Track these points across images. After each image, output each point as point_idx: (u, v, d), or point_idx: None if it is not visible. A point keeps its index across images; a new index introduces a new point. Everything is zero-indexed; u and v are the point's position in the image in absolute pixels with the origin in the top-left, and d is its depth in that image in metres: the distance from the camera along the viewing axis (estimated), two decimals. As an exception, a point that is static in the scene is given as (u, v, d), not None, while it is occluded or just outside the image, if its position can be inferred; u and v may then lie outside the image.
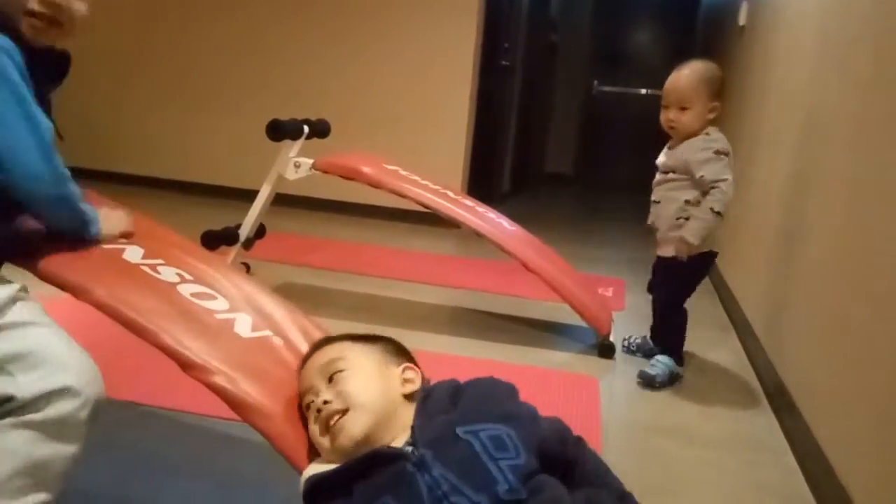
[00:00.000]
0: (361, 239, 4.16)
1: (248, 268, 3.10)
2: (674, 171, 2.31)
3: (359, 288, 3.19)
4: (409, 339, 2.50)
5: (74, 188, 1.24)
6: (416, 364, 1.19)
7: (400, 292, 3.16)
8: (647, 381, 2.31)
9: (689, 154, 2.25)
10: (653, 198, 2.39)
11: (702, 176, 2.23)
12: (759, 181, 3.04)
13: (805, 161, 2.35)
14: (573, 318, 2.68)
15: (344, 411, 1.05)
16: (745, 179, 3.42)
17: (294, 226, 4.14)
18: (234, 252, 2.93)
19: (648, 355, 2.47)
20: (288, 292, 3.04)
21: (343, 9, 4.65)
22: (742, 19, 3.86)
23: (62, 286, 1.19)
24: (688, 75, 2.28)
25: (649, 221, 2.42)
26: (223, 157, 4.90)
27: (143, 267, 1.32)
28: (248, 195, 3.06)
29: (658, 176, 2.38)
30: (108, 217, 1.37)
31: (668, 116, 2.30)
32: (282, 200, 3.17)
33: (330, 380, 1.11)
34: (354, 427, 1.03)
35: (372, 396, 1.06)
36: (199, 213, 4.31)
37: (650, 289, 2.51)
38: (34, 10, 1.17)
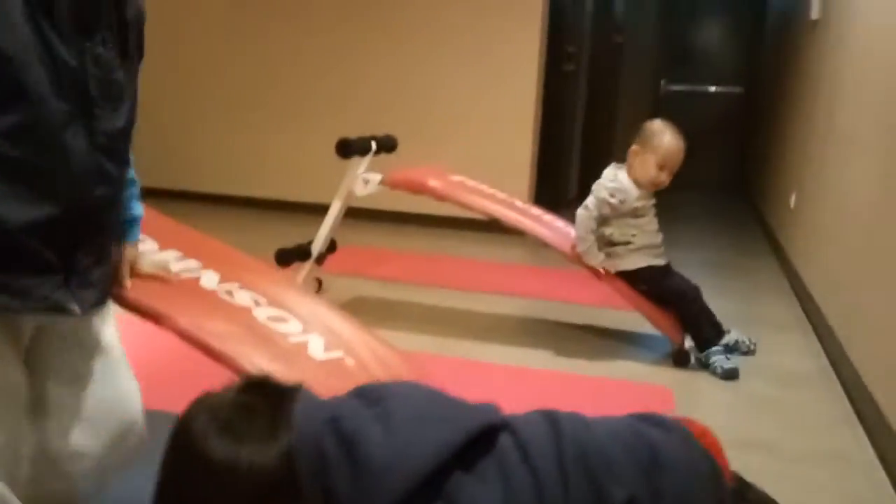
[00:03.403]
0: (430, 249, 4.20)
1: (320, 283, 3.17)
2: None
3: (428, 299, 3.21)
4: (479, 351, 2.55)
5: None
6: None
7: (469, 303, 3.17)
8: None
9: None
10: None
11: None
12: (832, 180, 2.93)
13: (884, 159, 2.25)
14: (646, 326, 2.64)
15: None
16: (819, 179, 3.30)
17: (363, 238, 4.21)
18: (306, 268, 3.01)
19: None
20: (359, 306, 3.10)
21: (403, 20, 4.70)
22: (815, 13, 3.72)
23: (142, 313, 1.24)
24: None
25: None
26: (292, 172, 5.01)
27: (219, 293, 1.38)
28: (318, 209, 3.14)
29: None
30: None
31: (661, 179, 2.50)
32: (351, 213, 3.23)
33: None
34: None
35: None
36: (270, 229, 4.43)
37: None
38: None
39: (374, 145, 2.93)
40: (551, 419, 0.88)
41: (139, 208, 1.24)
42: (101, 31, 0.99)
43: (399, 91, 4.76)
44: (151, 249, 1.40)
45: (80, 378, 1.11)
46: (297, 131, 4.97)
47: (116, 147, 1.04)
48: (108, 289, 1.13)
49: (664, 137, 2.49)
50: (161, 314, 1.23)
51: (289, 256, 2.95)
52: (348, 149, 2.83)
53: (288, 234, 3.18)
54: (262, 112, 5.06)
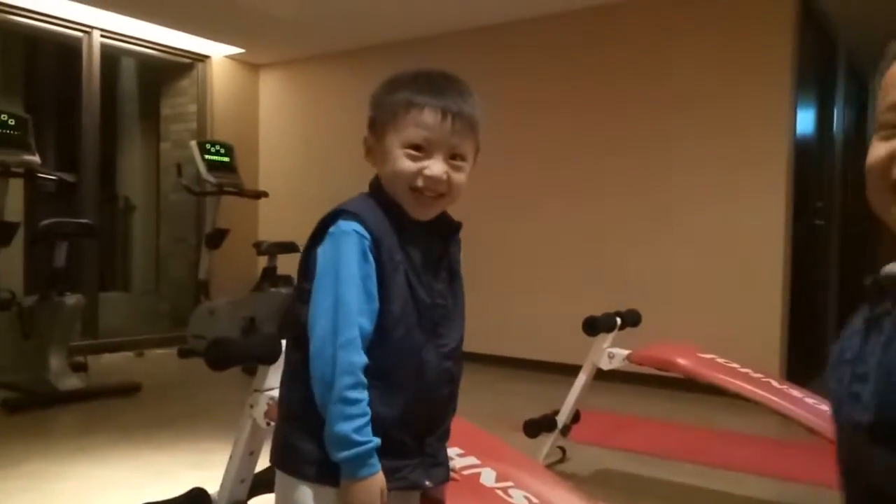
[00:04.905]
0: (676, 415, 4.07)
1: (563, 452, 3.23)
2: None
3: (677, 476, 3.11)
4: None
5: (354, 393, 1.13)
6: None
7: (722, 483, 3.02)
8: None
9: None
10: None
11: None
12: None
13: None
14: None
15: None
16: None
17: (607, 402, 4.20)
18: (552, 439, 3.09)
19: None
20: (605, 480, 3.08)
21: (647, 189, 4.85)
22: None
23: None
24: None
25: None
26: (541, 334, 5.20)
27: (497, 491, 1.51)
28: (561, 368, 3.24)
29: None
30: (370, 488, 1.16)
31: None
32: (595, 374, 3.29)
33: None
34: None
35: None
36: (523, 389, 4.59)
37: None
38: (419, 187, 1.23)
39: (618, 321, 3.01)
40: None
41: None
42: (441, 270, 1.29)
43: (643, 260, 4.84)
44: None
45: None
46: (543, 295, 5.20)
47: (456, 353, 1.31)
48: (448, 467, 1.34)
49: None
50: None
51: (536, 427, 3.07)
52: (595, 327, 2.94)
53: (536, 392, 3.29)
54: (508, 278, 5.39)
